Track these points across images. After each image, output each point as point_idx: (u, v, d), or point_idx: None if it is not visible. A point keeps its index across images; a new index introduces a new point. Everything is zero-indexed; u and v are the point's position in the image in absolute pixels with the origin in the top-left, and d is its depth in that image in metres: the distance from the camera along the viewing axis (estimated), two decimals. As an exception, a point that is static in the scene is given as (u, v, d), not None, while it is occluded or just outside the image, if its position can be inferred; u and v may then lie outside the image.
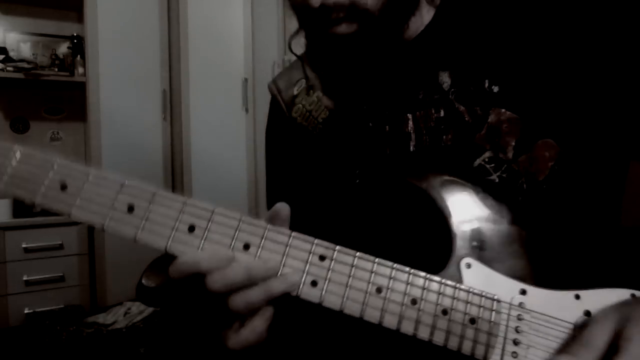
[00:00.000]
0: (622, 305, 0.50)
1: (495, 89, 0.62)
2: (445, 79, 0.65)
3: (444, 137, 0.64)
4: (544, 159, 0.61)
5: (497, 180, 0.61)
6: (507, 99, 0.62)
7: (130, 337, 2.24)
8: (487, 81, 0.62)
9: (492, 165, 0.62)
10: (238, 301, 0.49)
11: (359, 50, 0.63)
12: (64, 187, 0.51)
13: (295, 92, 0.75)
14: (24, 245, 2.57)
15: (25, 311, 2.55)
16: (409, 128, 0.66)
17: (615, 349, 0.44)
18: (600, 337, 0.46)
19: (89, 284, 2.74)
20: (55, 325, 2.30)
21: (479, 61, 0.63)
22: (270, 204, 0.81)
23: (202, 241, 0.51)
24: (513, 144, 0.61)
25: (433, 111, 0.65)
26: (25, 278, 2.56)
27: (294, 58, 0.78)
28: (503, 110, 0.61)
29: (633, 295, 0.52)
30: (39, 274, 2.59)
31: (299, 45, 0.76)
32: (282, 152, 0.80)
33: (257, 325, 0.51)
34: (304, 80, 0.75)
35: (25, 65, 2.74)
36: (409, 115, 0.66)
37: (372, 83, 0.69)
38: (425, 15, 0.67)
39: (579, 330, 0.49)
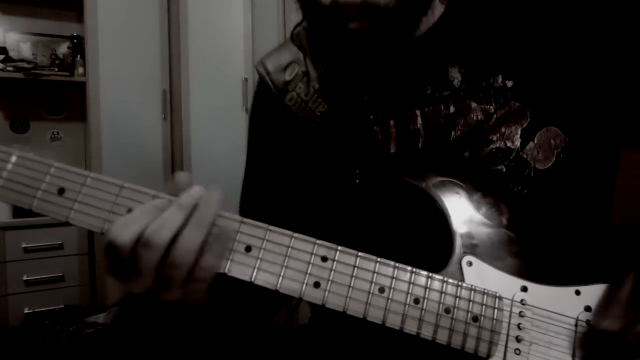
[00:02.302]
0: None
1: (510, 83, 0.62)
2: (455, 75, 0.64)
3: (453, 132, 0.64)
4: (550, 146, 0.61)
5: (504, 170, 0.61)
6: (521, 93, 0.62)
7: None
8: (500, 76, 0.62)
9: (500, 155, 0.62)
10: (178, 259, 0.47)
11: (369, 46, 0.62)
12: (61, 192, 0.51)
13: (287, 78, 0.72)
14: (24, 245, 2.56)
15: (25, 311, 2.54)
16: (418, 124, 0.65)
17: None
18: (623, 294, 0.51)
19: (89, 284, 2.74)
20: (55, 325, 2.30)
21: (492, 56, 0.63)
22: (248, 197, 0.79)
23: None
24: (519, 132, 0.61)
25: (442, 107, 0.64)
26: (25, 278, 2.56)
27: None
28: (512, 102, 0.62)
29: None
30: (39, 274, 2.59)
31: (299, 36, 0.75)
32: (273, 142, 0.77)
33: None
34: (296, 65, 0.72)
35: (25, 65, 2.74)
36: (417, 112, 0.65)
37: (377, 77, 0.68)
38: (436, 11, 0.66)
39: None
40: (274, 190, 0.76)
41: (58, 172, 0.51)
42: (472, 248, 0.55)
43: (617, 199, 0.68)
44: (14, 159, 0.51)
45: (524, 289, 0.53)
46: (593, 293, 0.53)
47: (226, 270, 0.51)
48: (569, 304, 0.53)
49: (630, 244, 0.61)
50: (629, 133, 0.64)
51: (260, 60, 0.76)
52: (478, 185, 0.58)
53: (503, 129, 0.62)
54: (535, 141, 0.61)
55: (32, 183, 0.51)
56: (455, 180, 0.59)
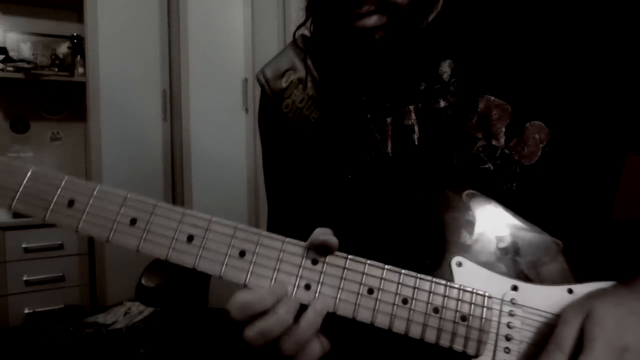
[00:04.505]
0: (587, 299, 0.51)
1: (488, 76, 0.62)
2: (445, 69, 0.65)
3: (444, 127, 0.64)
4: (534, 141, 0.61)
5: (492, 168, 0.61)
6: (499, 86, 0.62)
7: (130, 337, 2.24)
8: (482, 69, 0.63)
9: (486, 153, 0.62)
10: (290, 345, 0.51)
11: (382, 43, 0.63)
12: (71, 204, 0.54)
13: (283, 85, 0.74)
14: (24, 245, 2.58)
15: (25, 311, 2.56)
16: (412, 120, 0.65)
17: (582, 346, 0.46)
18: (567, 337, 0.47)
19: (89, 284, 2.75)
20: (55, 325, 2.30)
21: (478, 50, 0.64)
22: (270, 198, 0.81)
23: (200, 250, 0.53)
24: (503, 130, 0.61)
25: (433, 102, 0.65)
26: (25, 278, 2.57)
27: None
28: (492, 98, 0.62)
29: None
30: (39, 274, 2.60)
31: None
32: (276, 146, 0.79)
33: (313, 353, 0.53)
34: (292, 72, 0.74)
35: (25, 65, 2.75)
36: (411, 107, 0.66)
37: (375, 75, 0.69)
38: (439, 5, 0.67)
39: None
40: (285, 194, 0.78)
41: (68, 185, 0.55)
42: (462, 249, 0.55)
43: (619, 197, 0.68)
44: (29, 174, 0.54)
45: (515, 288, 0.53)
46: (586, 291, 0.53)
47: (221, 274, 0.53)
48: (562, 302, 0.53)
49: (626, 242, 0.61)
50: (632, 136, 0.63)
51: (262, 68, 0.78)
52: (466, 184, 0.58)
53: (487, 127, 0.62)
54: (519, 137, 0.61)
55: (45, 196, 0.54)
56: (447, 182, 0.59)
